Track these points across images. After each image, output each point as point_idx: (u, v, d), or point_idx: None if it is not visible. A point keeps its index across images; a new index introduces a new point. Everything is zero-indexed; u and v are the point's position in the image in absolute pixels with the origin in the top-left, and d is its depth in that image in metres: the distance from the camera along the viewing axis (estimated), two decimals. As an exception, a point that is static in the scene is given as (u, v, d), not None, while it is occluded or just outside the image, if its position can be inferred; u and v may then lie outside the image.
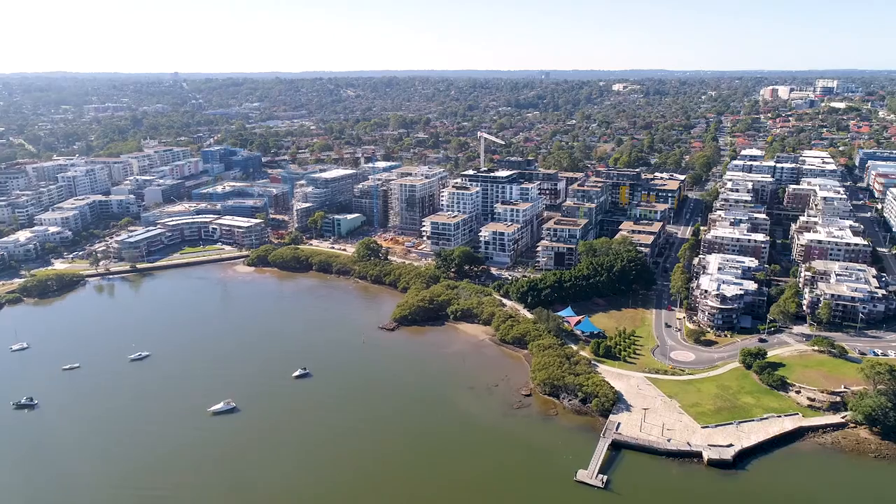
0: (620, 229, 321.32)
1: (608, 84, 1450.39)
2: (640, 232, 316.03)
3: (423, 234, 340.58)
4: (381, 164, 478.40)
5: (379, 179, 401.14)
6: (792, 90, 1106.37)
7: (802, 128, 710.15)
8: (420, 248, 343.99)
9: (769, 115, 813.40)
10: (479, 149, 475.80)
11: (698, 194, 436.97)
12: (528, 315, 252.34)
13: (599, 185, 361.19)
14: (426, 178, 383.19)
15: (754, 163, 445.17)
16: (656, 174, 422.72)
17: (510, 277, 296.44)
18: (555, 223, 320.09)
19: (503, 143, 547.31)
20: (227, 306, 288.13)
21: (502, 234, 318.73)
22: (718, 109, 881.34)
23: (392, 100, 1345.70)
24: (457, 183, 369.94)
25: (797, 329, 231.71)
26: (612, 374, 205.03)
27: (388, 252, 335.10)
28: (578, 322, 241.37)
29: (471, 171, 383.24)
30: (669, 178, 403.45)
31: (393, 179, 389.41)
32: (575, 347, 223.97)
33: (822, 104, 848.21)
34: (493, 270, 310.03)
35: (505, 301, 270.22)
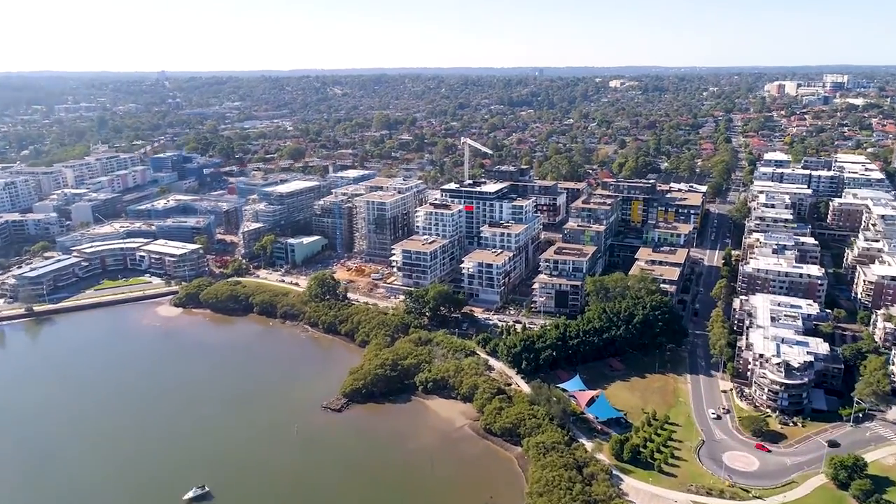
0: (637, 259, 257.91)
1: (604, 81, 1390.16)
2: (661, 263, 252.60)
3: (394, 264, 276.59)
4: (353, 174, 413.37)
5: (344, 194, 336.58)
6: (799, 86, 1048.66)
7: (822, 126, 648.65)
8: (389, 280, 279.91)
9: (782, 112, 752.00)
10: (464, 157, 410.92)
11: (721, 208, 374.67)
12: (524, 387, 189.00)
13: (609, 201, 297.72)
14: (399, 192, 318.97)
15: (784, 170, 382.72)
16: (672, 185, 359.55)
17: (500, 325, 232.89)
18: (555, 252, 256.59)
19: (490, 151, 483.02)
20: (123, 374, 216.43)
21: (490, 265, 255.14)
22: (725, 107, 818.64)
23: (380, 98, 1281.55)
24: (435, 200, 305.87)
25: (894, 413, 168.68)
26: (644, 496, 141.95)
27: (349, 288, 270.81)
28: (592, 401, 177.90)
29: (452, 185, 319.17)
30: (689, 190, 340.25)
31: (360, 194, 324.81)
32: (589, 446, 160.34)
33: (837, 100, 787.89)
34: (479, 313, 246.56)
35: (493, 361, 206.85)
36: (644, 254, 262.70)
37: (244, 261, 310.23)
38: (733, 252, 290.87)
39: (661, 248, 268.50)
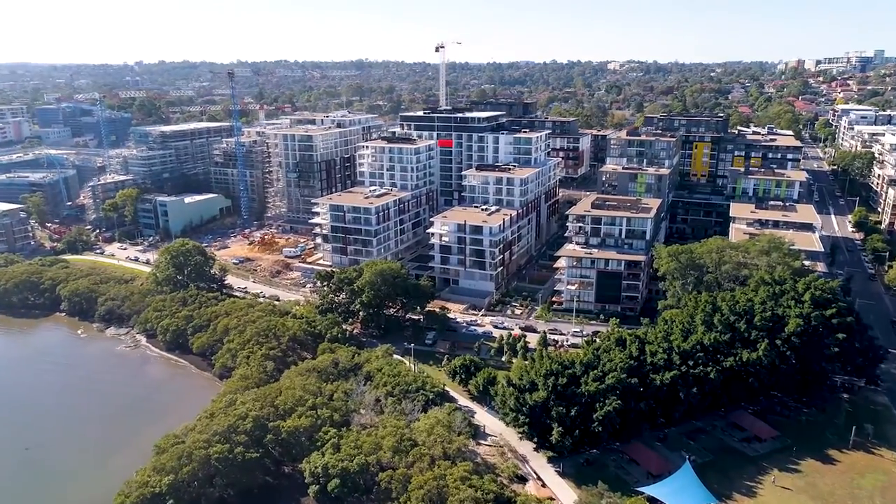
0: (733, 219, 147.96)
1: (602, 64, 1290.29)
2: (777, 225, 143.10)
3: (318, 231, 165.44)
4: (286, 121, 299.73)
5: (259, 133, 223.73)
6: (819, 63, 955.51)
7: (875, 90, 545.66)
8: (311, 259, 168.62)
9: (819, 78, 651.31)
10: (440, 74, 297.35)
11: (804, 164, 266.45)
12: (556, 488, 78.46)
13: (670, 135, 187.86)
14: (339, 127, 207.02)
15: (891, 112, 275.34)
16: (739, 129, 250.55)
17: (497, 335, 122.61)
18: (592, 205, 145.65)
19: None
20: None
21: (478, 229, 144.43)
22: (752, 74, 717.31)
23: (362, 81, 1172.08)
24: (391, 132, 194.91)
25: None
26: None
27: (240, 271, 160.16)
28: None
29: (419, 112, 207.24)
30: (770, 133, 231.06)
31: (281, 131, 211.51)
32: None
33: (884, 69, 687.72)
34: (457, 311, 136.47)
35: (483, 415, 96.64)
36: (743, 211, 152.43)
37: (94, 230, 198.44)
38: (868, 215, 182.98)
39: (769, 204, 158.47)
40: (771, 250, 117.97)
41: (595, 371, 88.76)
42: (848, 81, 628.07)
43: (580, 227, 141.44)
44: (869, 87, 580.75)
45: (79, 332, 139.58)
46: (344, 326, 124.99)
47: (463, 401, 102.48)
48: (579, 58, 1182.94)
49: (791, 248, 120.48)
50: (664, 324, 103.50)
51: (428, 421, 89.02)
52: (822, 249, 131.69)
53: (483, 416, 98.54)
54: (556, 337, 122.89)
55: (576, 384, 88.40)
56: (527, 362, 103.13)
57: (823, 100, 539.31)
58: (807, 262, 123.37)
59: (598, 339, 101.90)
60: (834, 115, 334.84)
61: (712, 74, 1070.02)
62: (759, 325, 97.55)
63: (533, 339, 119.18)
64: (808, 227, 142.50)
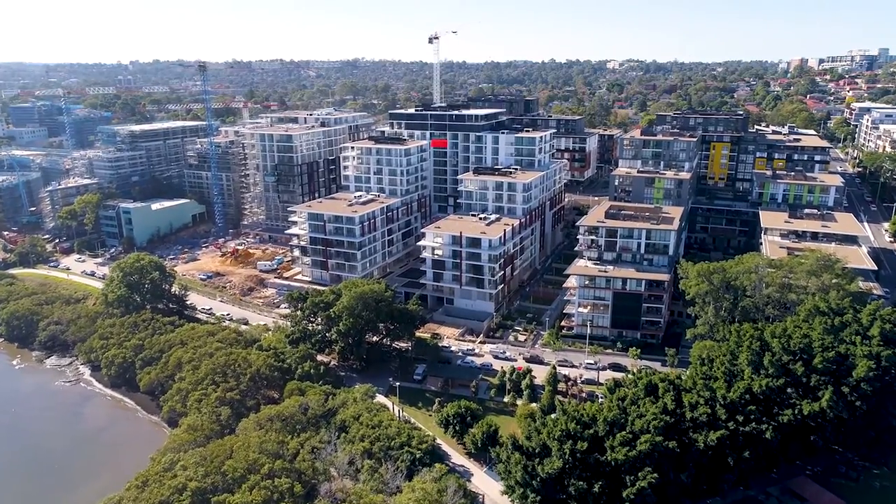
0: (765, 230, 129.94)
1: (601, 63, 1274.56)
2: (817, 237, 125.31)
3: (295, 240, 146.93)
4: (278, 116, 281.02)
5: (238, 133, 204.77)
6: (822, 61, 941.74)
7: (885, 89, 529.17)
8: (289, 273, 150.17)
9: (826, 77, 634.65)
10: (434, 69, 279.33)
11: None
12: None
13: (689, 134, 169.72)
14: (323, 125, 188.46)
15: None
16: (758, 128, 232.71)
17: (500, 370, 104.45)
18: (606, 215, 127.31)
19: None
20: None
21: (475, 242, 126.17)
22: (756, 73, 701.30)
23: (357, 80, 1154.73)
24: (380, 132, 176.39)
25: None
26: None
27: (207, 287, 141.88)
28: None
29: (411, 110, 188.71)
30: (792, 133, 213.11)
31: (258, 130, 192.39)
32: None
33: (886, 66, 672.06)
34: (452, 337, 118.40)
35: (480, 479, 78.11)
36: (775, 220, 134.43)
37: (52, 240, 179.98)
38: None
39: (804, 213, 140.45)
40: (820, 271, 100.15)
41: (623, 432, 70.50)
42: (856, 80, 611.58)
43: (592, 239, 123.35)
44: (878, 86, 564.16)
45: (13, 361, 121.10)
46: (319, 358, 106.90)
47: (457, 457, 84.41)
48: (578, 57, 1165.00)
49: (844, 267, 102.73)
50: (701, 364, 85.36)
51: (413, 494, 70.78)
52: (874, 267, 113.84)
53: (481, 480, 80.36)
54: (567, 370, 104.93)
55: (599, 449, 70.24)
56: (535, 406, 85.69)
57: (832, 98, 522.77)
58: (860, 284, 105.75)
59: (621, 386, 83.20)
60: (851, 114, 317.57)
61: (714, 73, 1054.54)
62: (820, 368, 79.37)
63: (540, 373, 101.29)
64: (852, 240, 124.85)
